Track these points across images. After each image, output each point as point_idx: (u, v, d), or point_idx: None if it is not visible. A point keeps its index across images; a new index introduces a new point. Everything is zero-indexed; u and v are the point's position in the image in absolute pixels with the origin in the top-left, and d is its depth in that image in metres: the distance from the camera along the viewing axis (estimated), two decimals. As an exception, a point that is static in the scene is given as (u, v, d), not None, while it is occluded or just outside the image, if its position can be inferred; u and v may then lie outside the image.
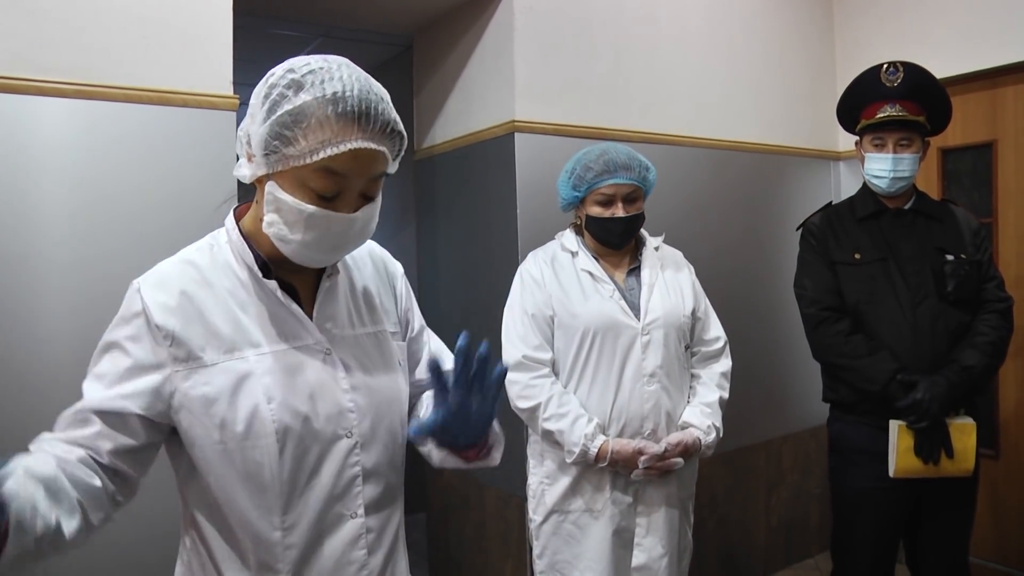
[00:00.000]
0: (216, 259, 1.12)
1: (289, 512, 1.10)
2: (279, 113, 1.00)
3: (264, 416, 1.06)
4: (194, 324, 1.07)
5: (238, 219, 1.16)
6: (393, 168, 1.09)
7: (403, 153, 1.10)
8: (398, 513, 1.24)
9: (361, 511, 1.15)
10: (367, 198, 1.08)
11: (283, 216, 1.04)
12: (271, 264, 1.12)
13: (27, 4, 1.86)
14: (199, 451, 1.07)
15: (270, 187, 1.04)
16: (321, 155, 0.99)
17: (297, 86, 1.00)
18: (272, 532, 1.09)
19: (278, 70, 1.04)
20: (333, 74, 1.01)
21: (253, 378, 1.07)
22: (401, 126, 1.06)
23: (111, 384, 1.05)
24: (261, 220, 1.07)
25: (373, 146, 1.01)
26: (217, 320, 1.08)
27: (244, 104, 1.26)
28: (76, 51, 1.93)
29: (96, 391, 1.06)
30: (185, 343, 1.06)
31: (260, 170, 1.04)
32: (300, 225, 1.03)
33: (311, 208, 1.02)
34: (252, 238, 1.13)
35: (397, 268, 1.35)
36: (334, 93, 0.99)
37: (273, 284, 1.11)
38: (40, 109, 1.89)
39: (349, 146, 0.99)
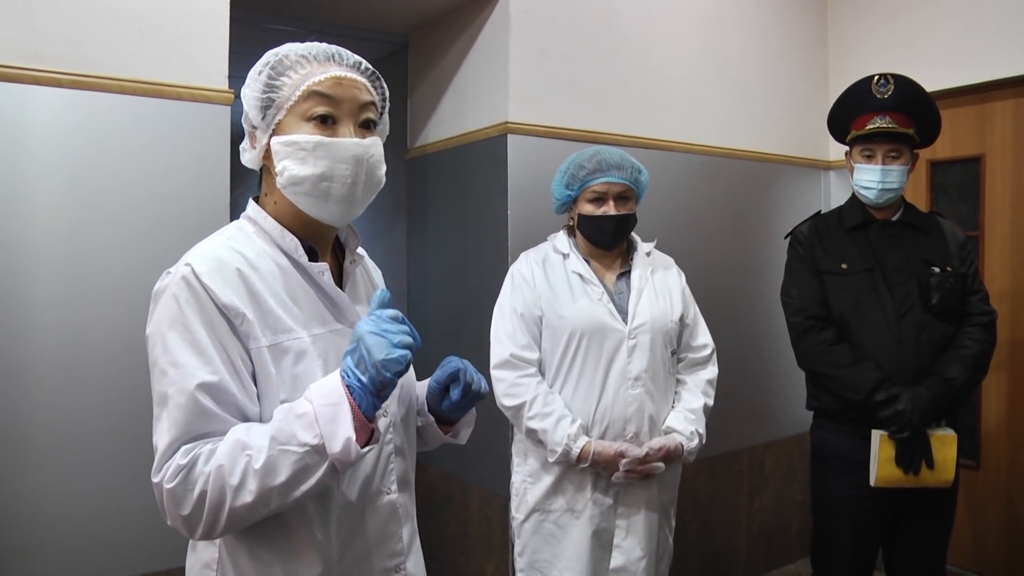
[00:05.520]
0: (253, 246, 1.14)
1: (341, 488, 1.14)
2: (265, 71, 1.13)
3: None
4: (252, 305, 1.08)
5: None
6: (383, 127, 1.21)
7: (388, 105, 1.22)
8: (413, 492, 1.31)
9: (395, 487, 1.22)
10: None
11: (292, 157, 1.10)
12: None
13: (22, -8, 1.86)
14: None
15: (275, 143, 1.12)
16: (307, 83, 1.11)
17: (278, 51, 1.16)
18: (330, 508, 1.12)
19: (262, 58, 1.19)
20: (304, 43, 1.17)
21: (310, 359, 1.10)
22: (373, 68, 1.18)
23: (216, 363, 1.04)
24: (275, 204, 1.16)
25: (352, 75, 1.14)
26: (270, 302, 1.10)
27: (239, 98, 1.28)
28: (71, 41, 1.92)
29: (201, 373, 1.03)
30: (251, 323, 1.07)
31: (263, 137, 1.14)
32: (309, 158, 1.10)
33: (315, 136, 1.10)
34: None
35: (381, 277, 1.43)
36: (306, 46, 1.15)
37: (323, 266, 1.16)
38: (34, 98, 1.88)
39: (330, 73, 1.12)
